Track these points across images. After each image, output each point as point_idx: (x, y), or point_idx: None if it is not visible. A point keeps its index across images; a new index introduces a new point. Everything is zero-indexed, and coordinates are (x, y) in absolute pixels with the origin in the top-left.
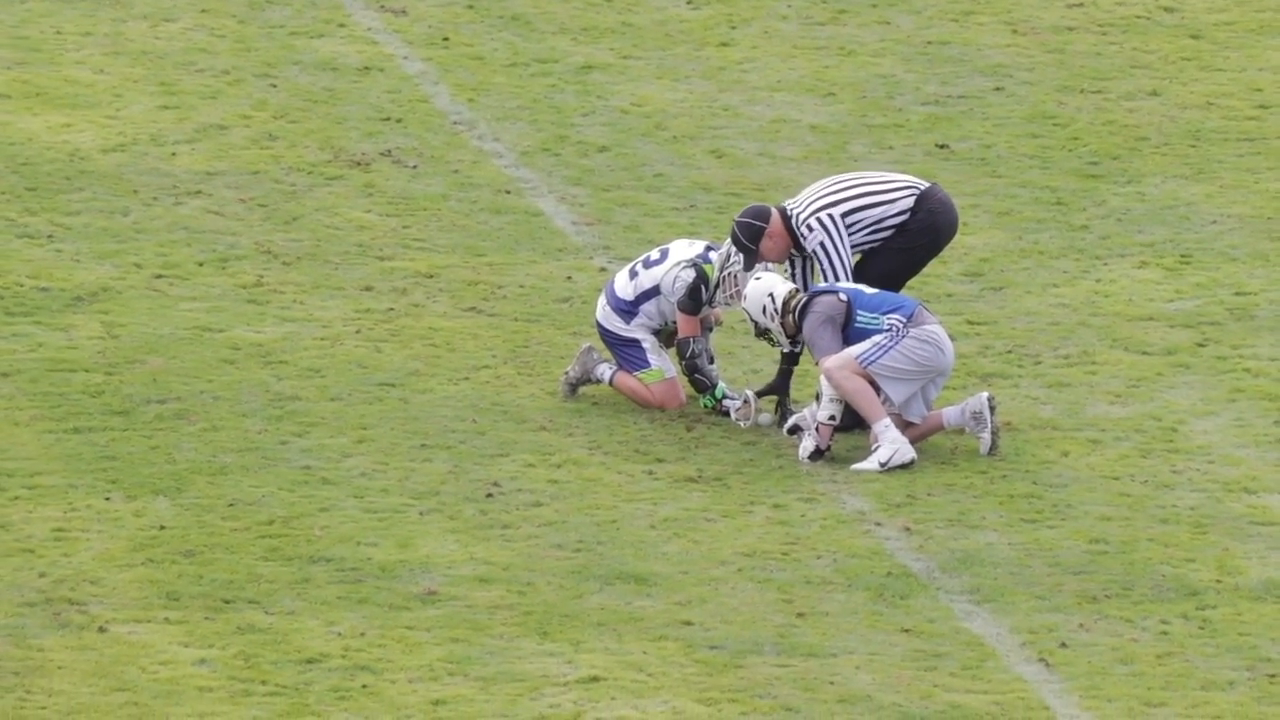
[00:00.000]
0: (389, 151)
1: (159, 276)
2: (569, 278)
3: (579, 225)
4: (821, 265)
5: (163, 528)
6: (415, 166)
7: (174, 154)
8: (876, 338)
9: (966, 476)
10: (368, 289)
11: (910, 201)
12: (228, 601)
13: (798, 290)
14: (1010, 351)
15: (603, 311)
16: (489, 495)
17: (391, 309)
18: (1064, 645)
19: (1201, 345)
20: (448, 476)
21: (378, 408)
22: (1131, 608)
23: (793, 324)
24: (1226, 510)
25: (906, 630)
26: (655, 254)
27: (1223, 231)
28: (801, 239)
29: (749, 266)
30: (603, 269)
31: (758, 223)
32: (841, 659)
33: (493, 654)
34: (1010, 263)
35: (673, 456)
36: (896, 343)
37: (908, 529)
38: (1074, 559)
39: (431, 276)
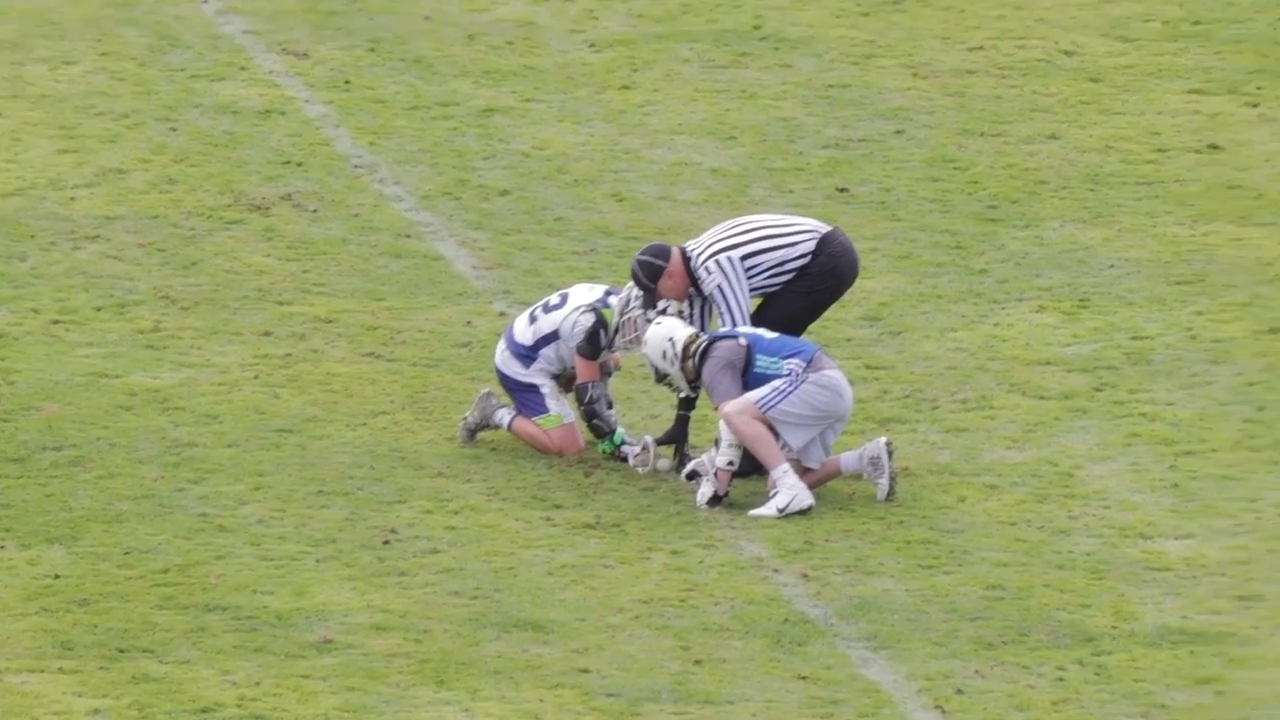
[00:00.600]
0: (289, 195)
1: (56, 322)
2: (469, 322)
3: (479, 269)
4: (719, 307)
5: (57, 576)
6: (315, 210)
7: (73, 198)
8: (775, 383)
9: (864, 522)
10: (266, 334)
11: (811, 245)
12: (122, 650)
13: (698, 334)
14: (908, 396)
15: (501, 356)
16: (386, 542)
17: (290, 354)
18: (960, 692)
19: (1098, 390)
20: (345, 523)
21: (275, 454)
22: (1027, 654)
23: (693, 369)
24: (1122, 555)
25: (803, 677)
26: (555, 298)
27: (1120, 275)
28: (700, 280)
29: (648, 305)
30: (502, 313)
31: (658, 261)
32: (738, 706)
33: (389, 702)
34: (909, 307)
35: (571, 503)
36: (795, 388)
37: (805, 575)
38: (970, 605)
39: (330, 321)
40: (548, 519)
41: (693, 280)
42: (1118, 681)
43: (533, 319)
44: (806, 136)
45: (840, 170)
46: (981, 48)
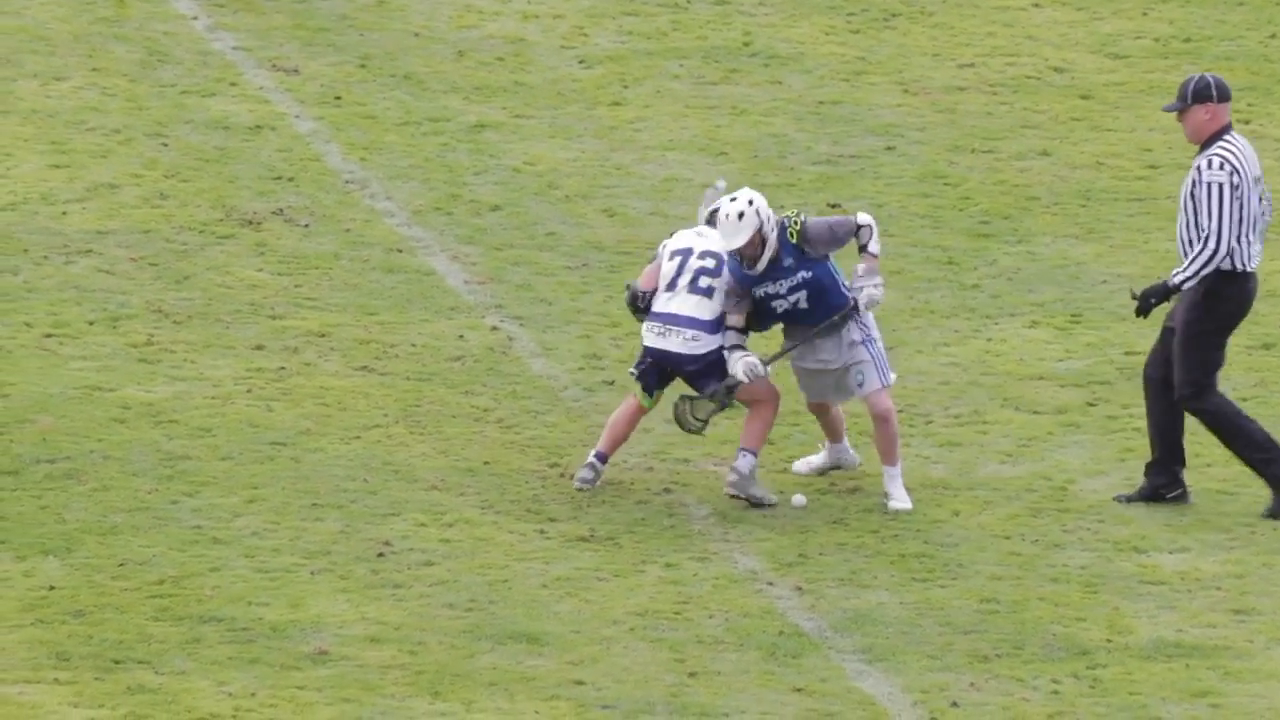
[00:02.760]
0: (281, 210)
1: (49, 335)
2: (461, 336)
3: (471, 284)
4: (1204, 204)
5: (52, 588)
6: (307, 225)
7: (65, 213)
8: (867, 352)
9: (858, 536)
10: (259, 348)
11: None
12: (118, 662)
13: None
14: (902, 411)
15: (690, 344)
16: (380, 555)
17: (283, 368)
18: (955, 705)
19: (1092, 405)
20: (339, 536)
21: (269, 467)
22: (1022, 667)
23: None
24: (1117, 570)
25: (799, 690)
26: (710, 263)
27: (1113, 291)
28: (1209, 164)
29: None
30: (494, 328)
31: (1213, 90)
32: (734, 718)
33: (384, 714)
34: (902, 322)
35: (564, 515)
36: (870, 330)
37: (799, 588)
38: (965, 618)
39: (323, 335)
40: (542, 532)
41: None
42: (1113, 694)
43: (707, 292)
44: (797, 152)
45: (832, 186)
46: (972, 65)
